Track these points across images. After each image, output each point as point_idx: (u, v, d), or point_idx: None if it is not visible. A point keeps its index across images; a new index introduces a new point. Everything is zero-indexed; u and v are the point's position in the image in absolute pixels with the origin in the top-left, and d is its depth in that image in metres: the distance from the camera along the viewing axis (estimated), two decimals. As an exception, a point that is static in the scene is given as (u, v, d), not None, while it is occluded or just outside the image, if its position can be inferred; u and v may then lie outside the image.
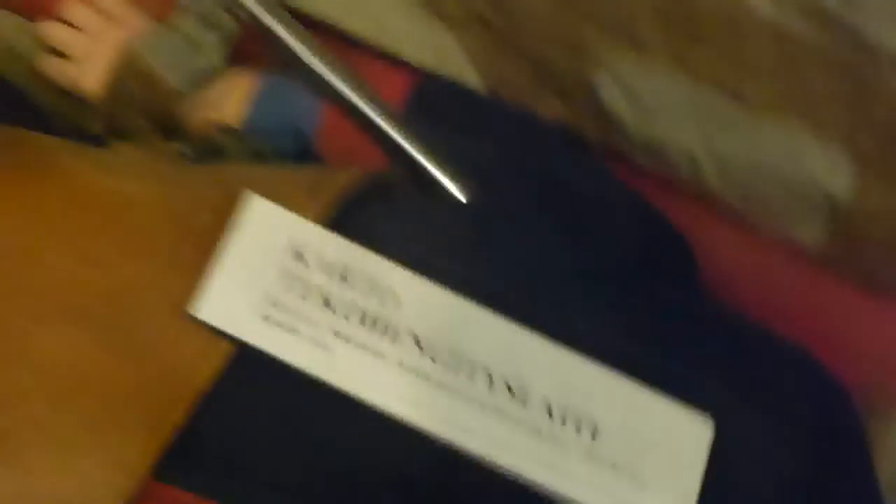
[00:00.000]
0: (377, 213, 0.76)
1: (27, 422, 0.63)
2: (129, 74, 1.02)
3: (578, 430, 0.63)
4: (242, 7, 0.97)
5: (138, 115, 1.03)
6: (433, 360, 0.64)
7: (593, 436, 0.63)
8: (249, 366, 0.64)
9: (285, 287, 0.65)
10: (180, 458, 0.61)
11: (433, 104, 1.06)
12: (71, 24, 1.09)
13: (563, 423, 0.63)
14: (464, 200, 0.86)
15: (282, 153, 0.97)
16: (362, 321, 0.64)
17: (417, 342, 0.64)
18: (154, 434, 0.61)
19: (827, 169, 0.93)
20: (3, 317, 0.66)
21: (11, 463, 0.61)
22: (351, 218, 0.71)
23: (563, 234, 0.84)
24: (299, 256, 0.65)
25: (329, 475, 0.63)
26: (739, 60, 0.92)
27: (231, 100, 1.02)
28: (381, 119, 0.93)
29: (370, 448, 0.64)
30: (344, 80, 0.94)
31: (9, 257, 0.70)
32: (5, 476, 0.60)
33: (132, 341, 0.66)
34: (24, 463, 0.61)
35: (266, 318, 0.63)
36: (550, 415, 0.63)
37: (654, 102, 0.98)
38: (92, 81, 1.04)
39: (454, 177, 0.88)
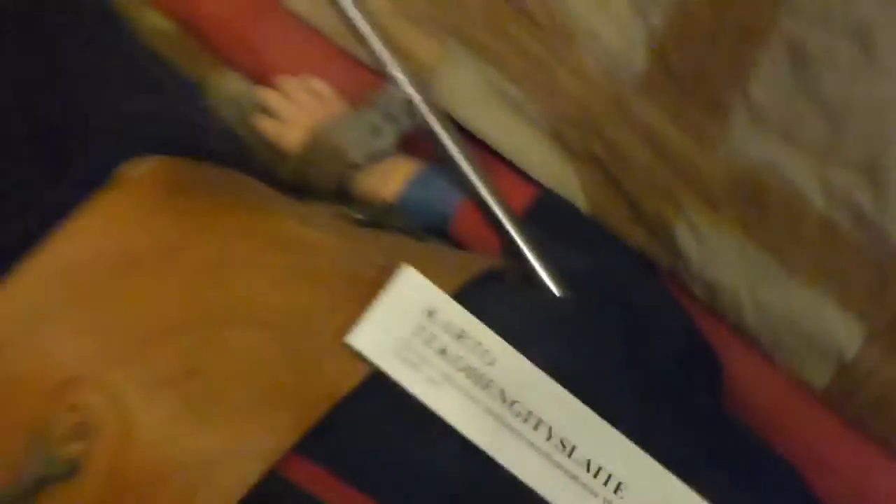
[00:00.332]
0: (491, 293, 0.81)
1: (220, 393, 0.72)
2: (321, 143, 1.10)
3: (606, 483, 0.70)
4: (417, 112, 1.07)
5: (321, 175, 1.09)
6: (511, 409, 0.71)
7: (616, 490, 0.69)
8: (379, 388, 0.71)
9: (416, 335, 0.72)
10: (316, 441, 0.68)
11: (548, 214, 1.09)
12: (284, 94, 1.19)
13: (596, 475, 0.69)
14: (558, 294, 0.93)
15: (424, 227, 1.01)
16: (466, 371, 0.71)
17: (502, 394, 0.71)
18: (300, 420, 0.69)
19: (843, 332, 0.95)
20: (214, 314, 0.76)
21: (210, 424, 0.70)
22: (472, 294, 0.76)
23: (628, 334, 0.85)
24: (431, 315, 0.73)
25: (416, 481, 0.69)
26: (791, 234, 0.95)
27: (393, 178, 1.08)
28: (505, 217, 1.00)
29: (451, 465, 0.70)
30: (482, 181, 1.03)
31: (222, 269, 0.80)
32: (207, 431, 0.70)
33: (299, 349, 0.74)
34: (217, 424, 0.70)
35: (398, 355, 0.71)
36: (588, 468, 0.69)
37: (717, 250, 1.01)
38: (291, 141, 1.13)
39: (553, 275, 0.95)
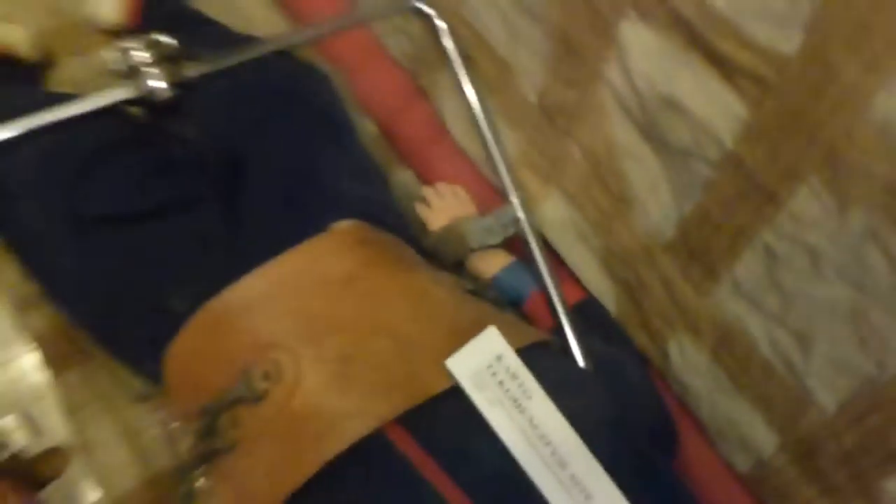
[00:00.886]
0: (540, 355, 0.83)
1: (358, 374, 0.77)
2: (453, 230, 1.13)
3: (583, 495, 0.70)
4: (521, 226, 1.09)
5: (448, 252, 1.11)
6: (534, 430, 0.73)
7: (587, 499, 0.70)
8: (457, 398, 0.74)
9: (486, 369, 0.75)
10: (411, 419, 0.72)
11: (589, 311, 1.09)
12: (438, 193, 1.23)
13: (577, 488, 0.70)
14: (582, 366, 0.94)
15: (507, 302, 1.03)
16: (512, 399, 0.74)
17: (531, 420, 0.73)
18: (405, 400, 0.73)
19: (764, 438, 0.95)
20: (367, 324, 0.81)
21: (348, 392, 0.75)
22: (527, 351, 0.77)
23: (623, 401, 0.83)
24: (499, 359, 0.76)
25: (470, 463, 0.71)
26: (743, 366, 0.95)
27: (493, 264, 1.11)
28: (560, 308, 1.01)
29: (495, 460, 0.71)
30: (551, 281, 1.04)
31: (379, 299, 0.84)
32: (344, 395, 0.75)
33: (413, 360, 0.78)
34: (351, 392, 0.75)
35: (472, 379, 0.75)
36: (573, 482, 0.70)
37: (693, 363, 1.01)
38: (434, 225, 1.17)
39: (583, 352, 0.95)
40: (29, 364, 1.24)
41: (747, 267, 0.87)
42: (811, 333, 0.84)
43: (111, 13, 1.35)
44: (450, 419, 0.74)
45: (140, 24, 1.35)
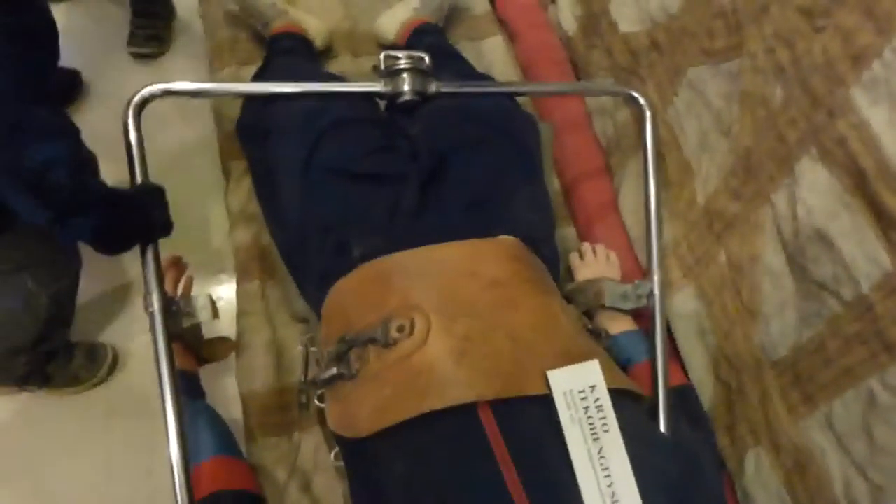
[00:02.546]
0: (630, 404, 0.84)
1: (473, 353, 0.81)
2: (594, 285, 1.15)
3: None
4: (652, 303, 1.09)
5: (584, 300, 1.15)
6: (600, 458, 0.74)
7: None
8: (546, 406, 0.76)
9: (579, 392, 0.77)
10: (501, 408, 0.76)
11: (686, 395, 1.06)
12: (593, 251, 1.25)
13: None
14: (663, 432, 0.92)
15: (616, 360, 1.00)
16: (591, 427, 0.76)
17: (601, 453, 0.74)
18: (504, 388, 0.77)
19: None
20: (496, 320, 0.85)
21: (458, 365, 0.79)
22: (619, 394, 0.80)
23: (690, 486, 0.81)
24: (592, 388, 0.77)
25: (540, 463, 0.73)
26: (814, 494, 0.91)
27: (617, 325, 1.11)
28: (662, 382, 0.99)
29: (564, 471, 0.73)
30: (662, 357, 1.03)
31: (515, 305, 0.88)
32: (461, 369, 0.79)
33: (522, 362, 0.81)
34: (461, 367, 0.79)
35: (564, 396, 0.77)
36: None
37: (765, 479, 0.98)
38: (581, 275, 1.21)
39: (670, 428, 0.94)
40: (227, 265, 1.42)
41: (846, 406, 0.85)
42: (887, 488, 0.80)
43: (391, 32, 1.55)
44: (533, 420, 0.77)
45: (405, 46, 1.52)
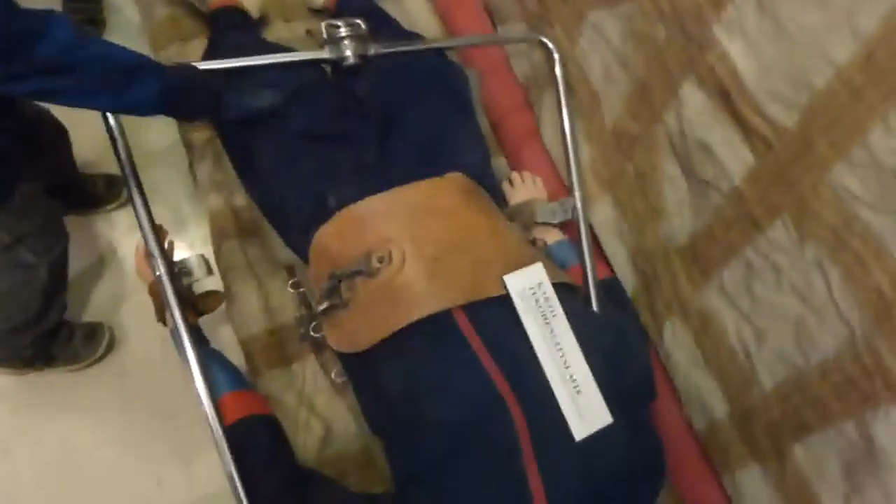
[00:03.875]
0: (569, 294, 0.98)
1: (442, 271, 0.94)
2: (526, 206, 1.29)
3: (575, 385, 0.85)
4: (576, 214, 1.24)
5: (521, 220, 1.28)
6: (553, 336, 0.88)
7: (577, 389, 0.85)
8: (505, 304, 0.91)
9: (530, 289, 0.92)
10: (471, 311, 0.89)
11: (613, 285, 1.22)
12: (523, 177, 1.38)
13: (572, 380, 0.86)
14: (596, 310, 1.06)
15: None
16: (542, 313, 0.91)
17: (553, 333, 0.89)
18: (469, 294, 0.90)
19: (717, 403, 1.11)
20: (456, 242, 0.97)
21: (433, 279, 0.92)
22: (560, 287, 0.95)
23: (613, 345, 0.96)
24: (539, 284, 0.93)
25: (509, 351, 0.87)
26: (713, 348, 1.10)
27: (550, 236, 1.26)
28: (591, 277, 1.15)
29: (525, 351, 0.87)
30: (589, 259, 1.18)
31: (470, 227, 1.01)
32: (431, 281, 0.92)
33: (482, 268, 0.95)
34: (436, 281, 0.92)
35: (518, 294, 0.91)
36: (570, 377, 0.86)
37: (679, 341, 1.17)
38: (514, 199, 1.34)
39: (601, 307, 1.09)
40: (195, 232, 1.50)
41: (731, 274, 1.04)
42: (766, 330, 1.00)
43: None
44: (497, 316, 0.93)
45: (335, 10, 1.60)
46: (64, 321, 1.41)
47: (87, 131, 1.27)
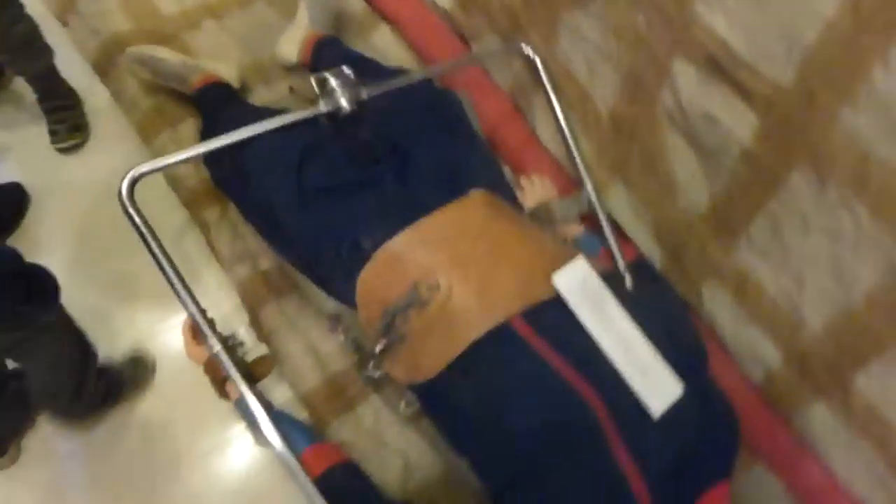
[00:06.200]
0: (611, 280, 0.96)
1: (488, 288, 0.95)
2: (542, 207, 1.32)
3: (639, 365, 0.88)
4: (592, 205, 1.26)
5: (541, 220, 1.30)
6: (613, 330, 0.90)
7: (644, 371, 0.88)
8: (560, 304, 0.92)
9: (579, 284, 0.94)
10: (530, 317, 0.91)
11: (641, 266, 1.25)
12: (532, 180, 1.39)
13: (633, 362, 0.87)
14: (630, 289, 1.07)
15: None
16: (595, 305, 0.92)
17: (609, 320, 0.91)
18: (523, 303, 0.92)
19: (770, 354, 1.13)
20: (496, 257, 0.99)
21: (486, 294, 0.94)
22: (603, 276, 0.96)
23: (662, 317, 0.98)
24: (586, 278, 0.95)
25: (573, 345, 0.89)
26: (755, 304, 1.12)
27: (571, 231, 1.29)
28: (621, 261, 1.20)
29: (588, 344, 0.89)
30: (615, 242, 1.23)
31: (503, 240, 1.02)
32: (480, 299, 0.94)
33: (526, 279, 0.96)
34: (483, 301, 0.94)
35: (569, 290, 0.93)
36: (643, 370, 0.88)
37: (720, 303, 1.19)
38: (528, 203, 1.34)
39: (633, 284, 1.11)
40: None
41: (759, 229, 1.06)
42: (804, 274, 1.02)
43: (293, 54, 1.63)
44: (553, 315, 0.94)
45: (310, 63, 1.60)
46: (103, 366, 1.43)
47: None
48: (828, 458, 1.10)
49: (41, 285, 1.09)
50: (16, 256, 1.05)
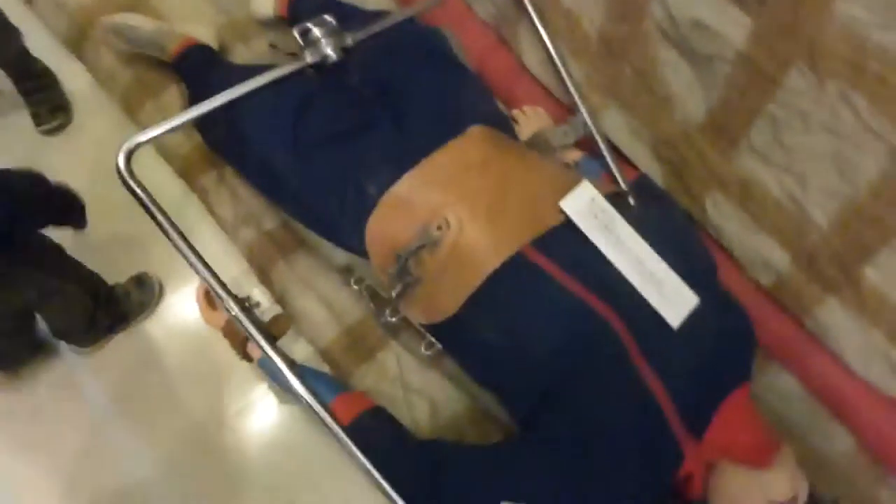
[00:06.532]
0: (617, 199, 1.01)
1: (501, 218, 0.96)
2: (538, 136, 1.30)
3: (653, 277, 0.91)
4: (588, 129, 1.25)
5: (538, 148, 1.27)
6: (625, 248, 0.92)
7: (659, 283, 0.91)
8: (571, 227, 0.94)
9: (586, 207, 0.95)
10: (542, 244, 0.92)
11: (644, 184, 1.23)
12: (526, 112, 1.39)
13: (647, 274, 0.90)
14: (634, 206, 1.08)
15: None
16: (604, 226, 0.94)
17: (619, 239, 0.92)
18: (534, 231, 0.94)
19: (778, 256, 1.14)
20: (504, 187, 0.99)
21: (494, 232, 0.96)
22: (609, 197, 0.98)
23: (671, 230, 1.02)
24: (593, 200, 0.96)
25: (586, 266, 0.91)
26: (760, 208, 1.13)
27: (570, 157, 1.30)
28: (622, 181, 1.19)
29: (599, 263, 0.91)
30: (615, 166, 1.22)
31: (507, 171, 1.04)
32: (494, 234, 0.95)
33: (534, 206, 0.98)
34: (495, 231, 0.95)
35: (577, 213, 0.95)
36: (658, 284, 0.90)
37: (726, 215, 1.19)
38: (524, 132, 1.33)
39: (641, 204, 1.12)
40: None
41: (759, 133, 1.06)
42: (807, 173, 1.03)
43: (269, 8, 1.58)
44: (565, 240, 0.96)
45: (288, 16, 1.56)
46: (112, 286, 1.46)
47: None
48: (842, 352, 1.12)
49: (70, 203, 1.26)
50: (43, 179, 1.17)
